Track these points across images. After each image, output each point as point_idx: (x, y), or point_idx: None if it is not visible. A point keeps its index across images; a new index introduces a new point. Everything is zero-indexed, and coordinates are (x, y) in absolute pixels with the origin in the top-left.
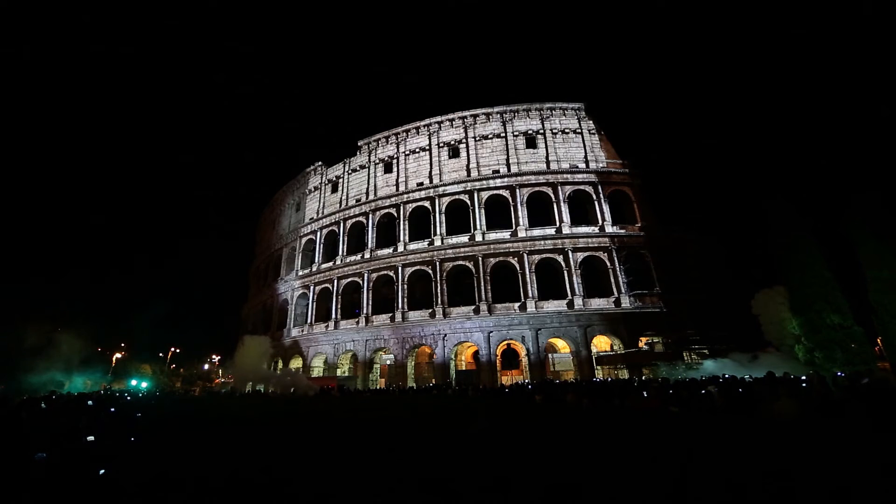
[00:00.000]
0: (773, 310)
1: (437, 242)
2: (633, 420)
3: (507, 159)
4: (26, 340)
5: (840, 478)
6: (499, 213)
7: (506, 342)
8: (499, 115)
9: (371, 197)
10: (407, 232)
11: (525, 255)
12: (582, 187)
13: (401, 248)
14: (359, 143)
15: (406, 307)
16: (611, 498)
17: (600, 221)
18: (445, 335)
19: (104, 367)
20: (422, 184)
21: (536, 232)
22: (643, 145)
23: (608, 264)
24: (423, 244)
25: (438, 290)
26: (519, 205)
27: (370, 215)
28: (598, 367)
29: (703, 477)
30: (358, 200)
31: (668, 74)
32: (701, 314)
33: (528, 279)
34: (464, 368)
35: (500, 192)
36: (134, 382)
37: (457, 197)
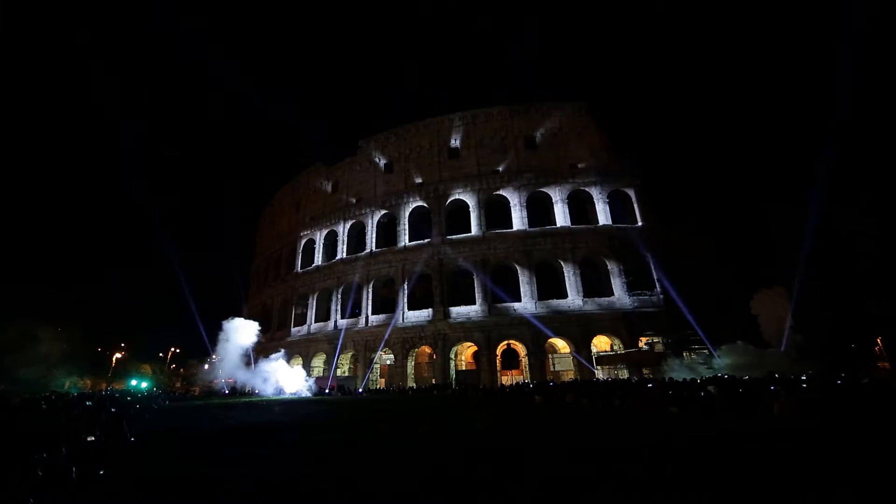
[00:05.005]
0: (772, 309)
1: (438, 242)
2: (633, 421)
3: (508, 159)
4: (22, 338)
5: (839, 475)
6: (499, 213)
7: (506, 342)
8: (499, 115)
9: (371, 197)
10: (407, 232)
11: (525, 255)
12: (582, 187)
13: (401, 248)
14: (359, 143)
15: (406, 307)
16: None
17: (600, 221)
18: (445, 335)
19: (102, 366)
20: (422, 184)
21: (537, 231)
22: (644, 145)
23: (608, 264)
24: (424, 244)
25: (438, 290)
26: (519, 205)
27: (370, 215)
28: (598, 367)
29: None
30: (358, 200)
31: (669, 76)
32: (701, 314)
33: (529, 279)
34: (464, 368)
35: (501, 191)
36: (134, 382)
37: (457, 197)
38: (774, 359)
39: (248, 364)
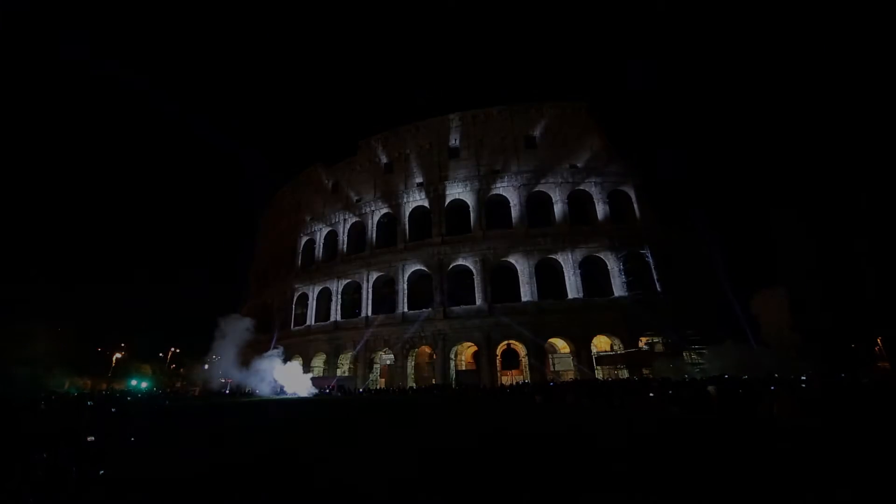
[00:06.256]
0: (773, 309)
1: (437, 241)
2: (633, 421)
3: (507, 159)
4: (19, 336)
5: (839, 475)
6: (499, 212)
7: (506, 342)
8: (499, 115)
9: (371, 197)
10: (407, 232)
11: (525, 255)
12: (582, 186)
13: (401, 248)
14: (359, 143)
15: (406, 307)
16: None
17: (600, 221)
18: (445, 335)
19: (101, 366)
20: (422, 183)
21: (537, 231)
22: (644, 145)
23: (608, 264)
24: (424, 244)
25: (438, 290)
26: (519, 204)
27: (370, 215)
28: (598, 367)
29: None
30: (358, 200)
31: (669, 75)
32: (701, 314)
33: (529, 278)
34: (464, 368)
35: (501, 191)
36: (134, 382)
37: (457, 196)
38: (766, 359)
39: (247, 364)
